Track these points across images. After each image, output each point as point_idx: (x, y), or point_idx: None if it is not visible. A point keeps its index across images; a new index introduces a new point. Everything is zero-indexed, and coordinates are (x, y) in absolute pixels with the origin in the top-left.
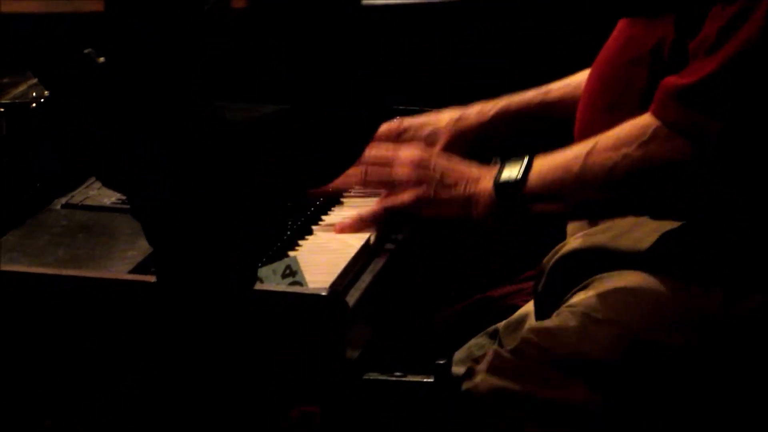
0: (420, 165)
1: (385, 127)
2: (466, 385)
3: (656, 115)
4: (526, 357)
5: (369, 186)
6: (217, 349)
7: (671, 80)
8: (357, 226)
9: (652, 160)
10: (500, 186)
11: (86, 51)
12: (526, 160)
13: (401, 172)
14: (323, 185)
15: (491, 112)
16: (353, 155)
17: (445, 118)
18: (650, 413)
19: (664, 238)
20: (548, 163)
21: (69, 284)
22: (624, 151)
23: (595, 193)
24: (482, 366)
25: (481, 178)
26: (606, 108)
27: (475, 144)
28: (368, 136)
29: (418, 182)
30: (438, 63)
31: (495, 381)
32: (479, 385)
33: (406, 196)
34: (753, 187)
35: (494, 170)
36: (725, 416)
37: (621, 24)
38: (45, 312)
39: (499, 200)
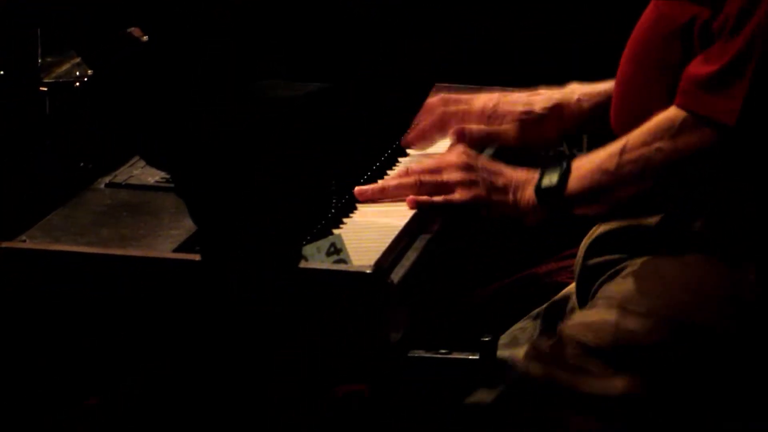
0: (468, 168)
1: (480, 104)
2: (510, 372)
3: (682, 106)
4: (565, 350)
5: (423, 194)
6: (262, 327)
7: (694, 69)
8: (424, 205)
9: (683, 150)
10: (541, 193)
11: (130, 29)
12: (564, 165)
13: (452, 175)
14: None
15: (588, 104)
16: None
17: (541, 101)
18: (690, 400)
19: (699, 214)
20: (585, 166)
21: (113, 263)
22: (656, 145)
23: (631, 189)
24: (524, 357)
25: (526, 184)
26: (640, 86)
27: (568, 131)
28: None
29: (471, 183)
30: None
31: (536, 369)
32: (521, 375)
33: (464, 195)
34: None
35: (536, 177)
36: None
37: (654, 1)
38: (90, 291)
39: (542, 206)
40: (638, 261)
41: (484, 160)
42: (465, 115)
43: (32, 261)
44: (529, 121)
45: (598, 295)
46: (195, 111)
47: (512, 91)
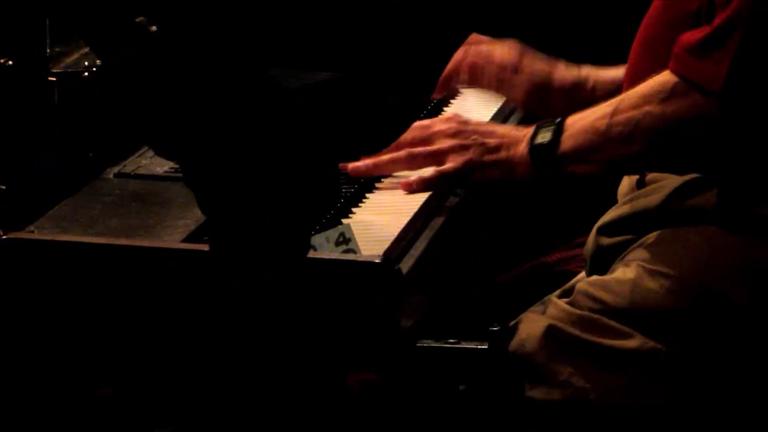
0: (458, 133)
1: (499, 59)
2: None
3: (673, 70)
4: (581, 307)
5: (416, 166)
6: (271, 317)
7: (686, 35)
8: (415, 186)
9: (673, 115)
10: (534, 150)
11: (138, 19)
12: (557, 122)
13: (444, 144)
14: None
15: (600, 93)
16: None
17: (557, 78)
18: (706, 362)
19: (713, 190)
20: (578, 125)
21: (122, 254)
22: (646, 108)
23: (622, 150)
24: (538, 310)
25: (519, 141)
26: (651, 70)
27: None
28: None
29: (462, 149)
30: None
31: (551, 322)
32: (535, 327)
33: (456, 162)
34: None
35: (530, 133)
36: None
37: None
38: (98, 281)
39: (534, 163)
40: (659, 232)
41: (474, 123)
42: (485, 67)
43: (41, 251)
44: (542, 93)
45: (618, 259)
46: (204, 101)
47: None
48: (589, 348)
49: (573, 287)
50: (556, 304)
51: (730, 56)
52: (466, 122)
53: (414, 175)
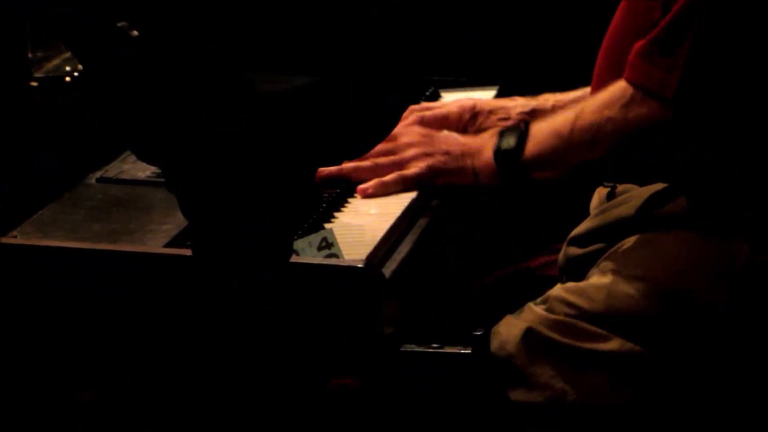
0: (424, 142)
1: (457, 109)
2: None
3: (627, 78)
4: (557, 312)
5: (380, 175)
6: (254, 322)
7: (639, 44)
8: (372, 191)
9: (633, 121)
10: (499, 155)
11: (120, 24)
12: (521, 128)
13: (409, 152)
14: (357, 156)
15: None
16: (387, 127)
17: (517, 107)
18: (684, 363)
19: (684, 196)
20: (542, 130)
21: (105, 259)
22: (606, 113)
23: (585, 155)
24: (515, 315)
25: (483, 149)
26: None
27: None
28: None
29: (426, 155)
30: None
31: (529, 325)
32: (514, 330)
33: (419, 166)
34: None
35: (494, 140)
36: (756, 364)
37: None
38: (81, 286)
39: (499, 169)
40: (631, 239)
41: (438, 133)
42: (443, 121)
43: (24, 257)
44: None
45: (592, 267)
46: (186, 106)
47: (480, 93)
48: (568, 350)
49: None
50: (533, 310)
51: (679, 63)
52: (429, 132)
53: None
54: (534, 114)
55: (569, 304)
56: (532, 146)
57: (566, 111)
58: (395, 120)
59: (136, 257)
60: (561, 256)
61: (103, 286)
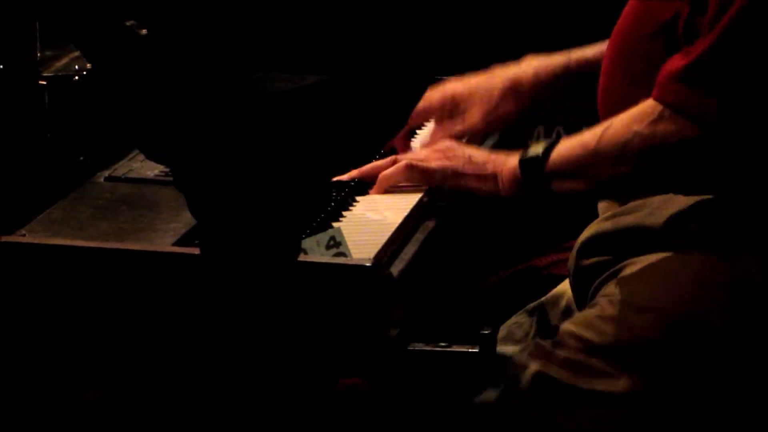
0: (449, 149)
1: (437, 102)
2: (510, 374)
3: (658, 99)
4: (567, 347)
5: (409, 180)
6: (261, 321)
7: (672, 62)
8: (386, 180)
9: (661, 138)
10: (524, 162)
11: (128, 23)
12: (553, 138)
13: (434, 156)
14: (367, 154)
15: (547, 78)
16: (397, 125)
17: (496, 83)
18: (693, 396)
19: (697, 213)
20: (569, 142)
21: (113, 257)
22: (635, 129)
23: (609, 170)
24: (524, 354)
25: (509, 158)
26: (625, 80)
27: (525, 106)
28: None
29: (446, 158)
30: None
31: (538, 368)
32: (521, 372)
33: (432, 163)
34: None
35: (521, 151)
36: None
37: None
38: (89, 285)
39: (523, 176)
40: (638, 259)
41: (467, 145)
42: (425, 115)
43: (32, 255)
44: (491, 106)
45: (600, 293)
46: (194, 103)
47: (462, 76)
48: (579, 392)
49: (560, 296)
50: (541, 347)
51: (720, 86)
52: (459, 144)
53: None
54: (515, 84)
55: (578, 338)
56: (556, 156)
57: (594, 127)
58: (405, 119)
59: (144, 256)
60: (571, 260)
61: (110, 285)
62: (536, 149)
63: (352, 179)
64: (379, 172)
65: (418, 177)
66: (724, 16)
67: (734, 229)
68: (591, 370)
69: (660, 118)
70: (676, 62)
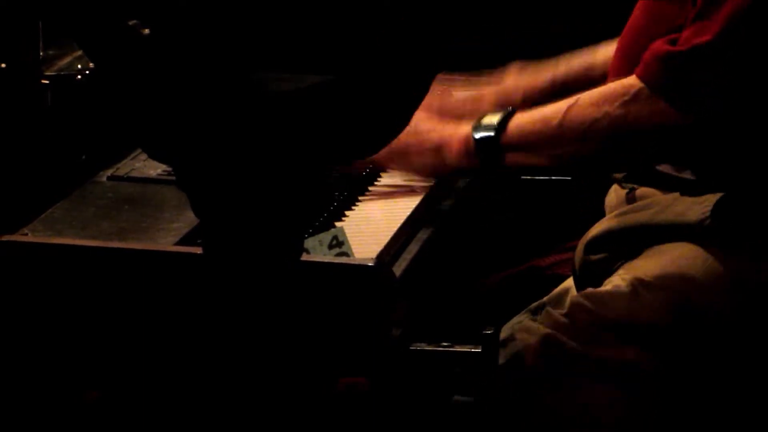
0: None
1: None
2: (520, 337)
3: (640, 76)
4: (577, 319)
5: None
6: (264, 320)
7: (659, 45)
8: None
9: (632, 119)
10: (477, 131)
11: (131, 23)
12: (507, 111)
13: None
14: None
15: (536, 91)
16: (400, 125)
17: (487, 102)
18: (701, 376)
19: (708, 207)
20: (529, 115)
21: (115, 257)
22: (605, 108)
23: (572, 148)
24: (536, 323)
25: (457, 127)
26: None
27: None
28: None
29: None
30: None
31: (548, 331)
32: (533, 337)
33: (382, 155)
34: None
35: (472, 120)
36: None
37: (643, 2)
38: (91, 284)
39: (476, 147)
40: (653, 246)
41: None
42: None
43: (34, 254)
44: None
45: (614, 274)
46: (197, 102)
47: (448, 84)
48: (587, 360)
49: (563, 294)
50: (552, 315)
51: (717, 75)
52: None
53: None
54: (506, 97)
55: (589, 311)
56: (514, 128)
57: (558, 101)
58: (408, 119)
59: (146, 255)
60: (577, 257)
61: (113, 285)
62: (491, 119)
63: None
64: None
65: (365, 166)
66: (720, 9)
67: (744, 228)
68: (599, 341)
69: (635, 98)
70: (665, 46)
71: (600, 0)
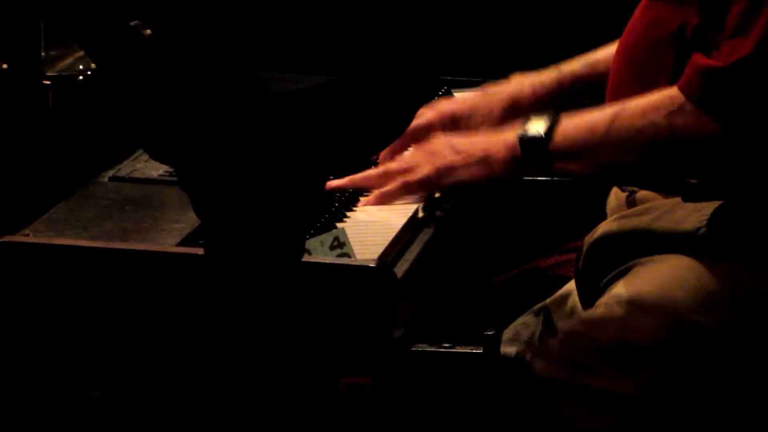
0: (433, 145)
1: (436, 120)
2: (515, 370)
3: (682, 90)
4: (573, 347)
5: (390, 182)
6: (265, 321)
7: (700, 59)
8: (379, 201)
9: (678, 131)
10: (525, 141)
11: (133, 23)
12: (552, 116)
13: (422, 160)
14: (371, 155)
15: (545, 95)
16: (401, 125)
17: (495, 101)
18: (698, 398)
19: (706, 216)
20: (575, 122)
21: (117, 257)
22: (651, 118)
23: (618, 157)
24: (531, 353)
25: (504, 136)
26: (635, 87)
27: None
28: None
29: (431, 155)
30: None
31: (543, 367)
32: (528, 371)
33: (423, 170)
34: None
35: (516, 127)
36: None
37: (643, 4)
38: (93, 285)
39: (523, 155)
40: (646, 260)
41: (448, 135)
42: (423, 130)
43: (36, 255)
44: (494, 124)
45: (607, 293)
46: (199, 103)
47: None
48: (584, 392)
49: (565, 297)
50: (547, 347)
51: (753, 90)
52: (439, 135)
53: None
54: (515, 104)
55: (585, 338)
56: (560, 136)
57: (602, 108)
58: (409, 119)
59: (148, 256)
60: (579, 259)
61: (114, 285)
62: (537, 127)
63: (345, 189)
64: (370, 182)
65: (416, 191)
66: (757, 23)
67: (744, 238)
68: (594, 370)
69: (680, 110)
70: (706, 60)
71: (600, 0)
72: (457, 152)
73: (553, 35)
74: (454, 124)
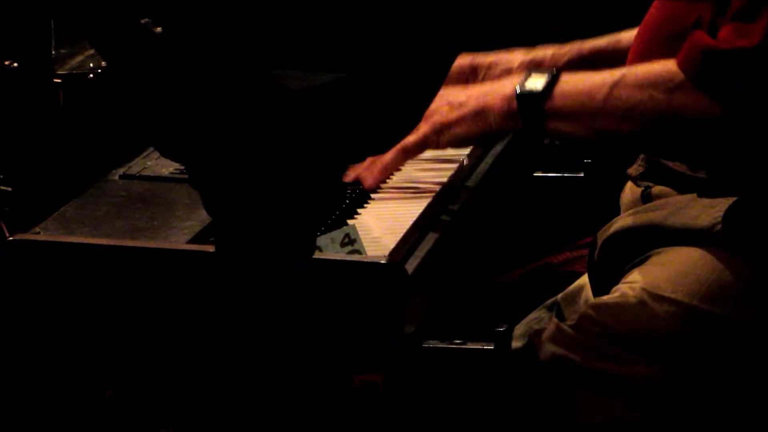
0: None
1: (456, 67)
2: (527, 354)
3: (683, 68)
4: (586, 332)
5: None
6: (277, 318)
7: (702, 37)
8: (380, 175)
9: (677, 107)
10: (522, 94)
11: (143, 21)
12: (551, 73)
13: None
14: (380, 153)
15: (565, 58)
16: (410, 122)
17: (517, 58)
18: (710, 388)
19: (721, 213)
20: (573, 84)
21: (128, 255)
22: (650, 92)
23: (615, 125)
24: (544, 336)
25: (502, 87)
26: None
27: None
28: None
29: (429, 116)
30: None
31: (556, 350)
32: (540, 354)
33: (419, 131)
34: None
35: (514, 79)
36: None
37: (656, 2)
38: (104, 283)
39: (519, 109)
40: (662, 250)
41: (446, 91)
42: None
43: (46, 253)
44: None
45: (621, 283)
46: (209, 101)
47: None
48: (596, 375)
49: (576, 292)
50: (561, 331)
51: (752, 80)
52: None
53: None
54: (534, 63)
55: (598, 324)
56: (559, 96)
57: (603, 73)
58: (420, 114)
59: (158, 254)
60: (593, 255)
61: (125, 283)
62: (535, 83)
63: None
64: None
65: (415, 151)
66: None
67: (758, 235)
68: (609, 356)
69: (680, 86)
70: (707, 40)
71: (600, 0)
72: (454, 108)
73: (553, 35)
74: (472, 71)
